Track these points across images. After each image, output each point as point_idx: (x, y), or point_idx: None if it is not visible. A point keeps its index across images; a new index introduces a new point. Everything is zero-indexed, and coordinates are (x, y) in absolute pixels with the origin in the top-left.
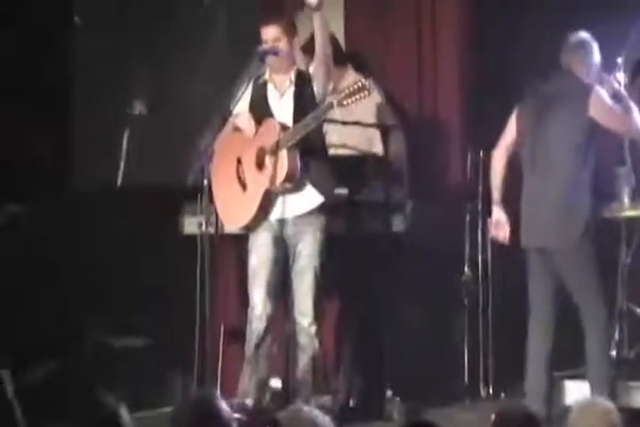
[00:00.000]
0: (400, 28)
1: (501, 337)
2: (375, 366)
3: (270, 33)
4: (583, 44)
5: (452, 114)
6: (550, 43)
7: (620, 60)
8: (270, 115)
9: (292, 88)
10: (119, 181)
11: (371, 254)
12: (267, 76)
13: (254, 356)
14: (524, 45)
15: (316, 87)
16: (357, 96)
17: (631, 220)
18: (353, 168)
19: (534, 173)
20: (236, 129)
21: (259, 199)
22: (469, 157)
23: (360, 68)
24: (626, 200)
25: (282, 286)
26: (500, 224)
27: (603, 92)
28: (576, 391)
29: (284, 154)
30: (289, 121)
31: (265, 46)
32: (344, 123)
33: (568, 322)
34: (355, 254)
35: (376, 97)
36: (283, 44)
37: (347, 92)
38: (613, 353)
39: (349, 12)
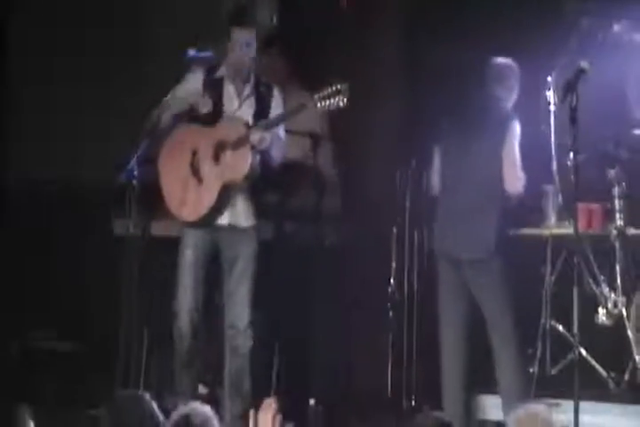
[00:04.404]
0: None
1: (426, 350)
2: (300, 375)
3: (246, 34)
4: (507, 67)
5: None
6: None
7: (549, 78)
8: (220, 111)
9: (254, 96)
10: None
11: (299, 263)
12: (223, 72)
13: (186, 358)
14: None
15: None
16: (332, 100)
17: (556, 238)
18: (285, 176)
19: (449, 188)
20: (192, 116)
21: (217, 192)
22: (399, 172)
23: None
24: (552, 218)
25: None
26: None
27: (518, 131)
28: (495, 406)
29: (247, 150)
30: (249, 120)
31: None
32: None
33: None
34: (283, 263)
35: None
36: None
37: (322, 95)
38: (535, 370)
39: None
